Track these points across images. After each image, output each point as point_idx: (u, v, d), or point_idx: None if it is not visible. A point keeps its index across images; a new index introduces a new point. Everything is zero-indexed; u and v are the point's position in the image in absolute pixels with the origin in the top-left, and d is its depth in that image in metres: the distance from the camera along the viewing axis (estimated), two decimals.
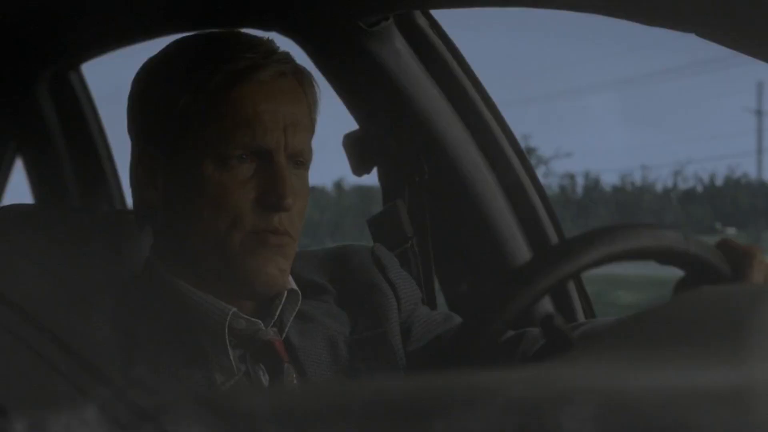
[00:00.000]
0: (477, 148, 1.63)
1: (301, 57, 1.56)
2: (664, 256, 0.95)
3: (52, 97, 2.00)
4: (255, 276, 1.19)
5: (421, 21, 1.60)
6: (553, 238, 1.65)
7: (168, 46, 1.27)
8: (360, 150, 1.61)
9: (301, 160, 1.22)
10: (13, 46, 1.81)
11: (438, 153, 1.60)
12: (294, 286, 1.25)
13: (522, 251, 1.62)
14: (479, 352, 0.87)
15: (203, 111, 1.19)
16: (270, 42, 1.25)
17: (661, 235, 0.93)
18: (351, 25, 1.53)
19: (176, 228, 1.21)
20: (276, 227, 1.18)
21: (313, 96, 1.25)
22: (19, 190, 2.17)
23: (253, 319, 1.21)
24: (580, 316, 1.61)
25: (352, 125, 1.63)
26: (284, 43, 1.51)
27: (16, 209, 1.33)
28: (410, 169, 1.59)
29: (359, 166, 1.61)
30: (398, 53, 1.57)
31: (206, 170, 1.18)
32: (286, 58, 1.23)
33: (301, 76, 1.24)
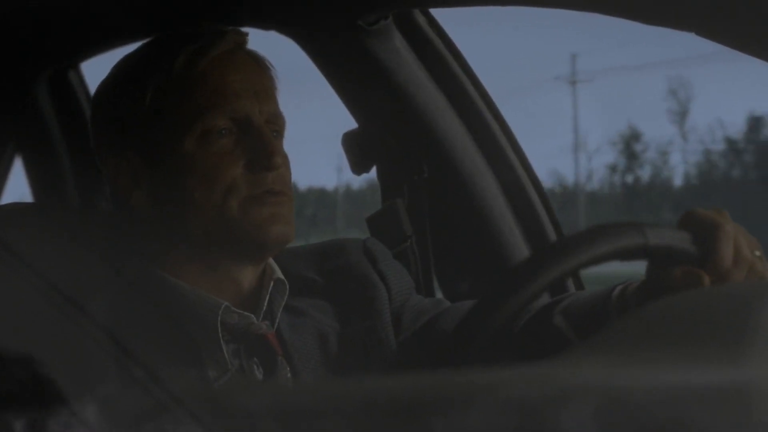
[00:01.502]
0: (476, 147, 1.62)
1: (300, 56, 1.57)
2: (624, 256, 0.94)
3: (51, 96, 2.00)
4: (263, 236, 1.20)
5: (420, 19, 1.60)
6: (552, 237, 1.65)
7: (118, 62, 1.29)
8: (359, 148, 1.61)
9: (276, 129, 1.25)
10: (13, 45, 1.81)
11: (437, 151, 1.60)
12: (280, 275, 1.25)
13: (521, 250, 1.62)
14: (475, 347, 0.87)
15: (172, 97, 1.21)
16: (217, 25, 1.28)
17: (616, 236, 0.92)
18: (350, 24, 1.53)
19: (170, 220, 1.22)
20: (271, 187, 1.20)
21: (270, 72, 1.27)
22: (19, 189, 2.17)
23: (245, 313, 1.21)
24: None
25: (352, 124, 1.63)
26: (284, 42, 1.52)
27: (15, 208, 1.33)
28: (409, 168, 1.59)
29: (358, 165, 1.61)
30: (397, 52, 1.57)
31: (189, 151, 1.20)
32: (240, 31, 1.27)
33: (256, 56, 1.27)
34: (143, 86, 1.22)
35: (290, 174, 1.24)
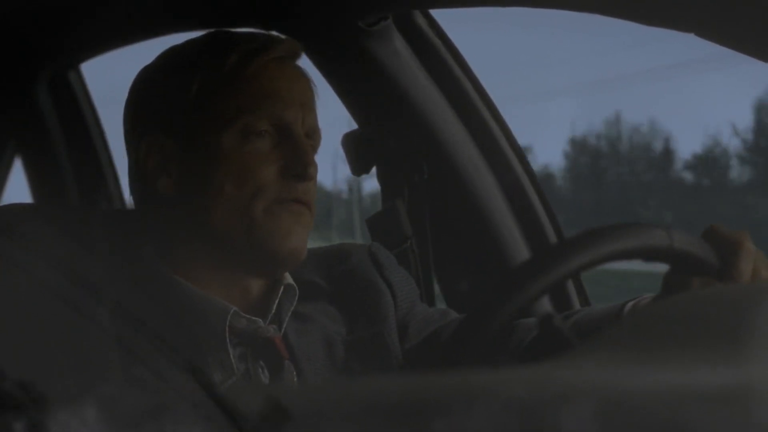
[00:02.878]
0: (476, 148, 1.63)
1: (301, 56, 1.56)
2: (649, 255, 0.95)
3: (51, 97, 2.00)
4: (278, 245, 1.20)
5: (420, 21, 1.60)
6: (552, 238, 1.65)
7: (165, 51, 1.29)
8: (359, 150, 1.61)
9: (313, 143, 1.25)
10: (13, 45, 1.81)
11: (437, 153, 1.60)
12: (290, 281, 1.25)
13: (520, 251, 1.62)
14: (476, 348, 0.87)
15: (219, 91, 1.22)
16: (271, 33, 1.28)
17: (643, 235, 0.93)
18: (350, 25, 1.53)
19: (193, 211, 1.21)
20: (300, 196, 1.21)
21: (314, 89, 1.28)
22: (19, 189, 2.17)
23: (253, 318, 1.21)
24: None
25: (352, 124, 1.63)
26: None
27: (16, 208, 1.33)
28: (409, 169, 1.59)
29: (358, 166, 1.61)
30: (397, 53, 1.57)
31: (226, 145, 1.20)
32: (295, 42, 1.28)
33: (303, 70, 1.27)
34: (192, 75, 1.22)
35: (316, 189, 1.24)
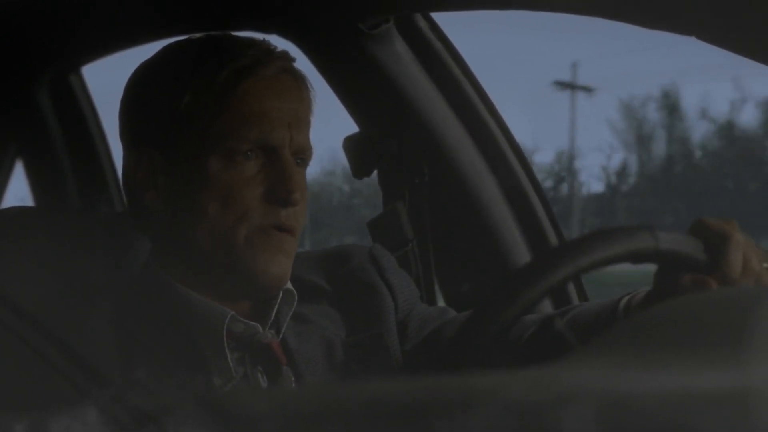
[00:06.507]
0: (477, 151, 1.63)
1: (301, 59, 1.57)
2: (636, 258, 0.94)
3: (52, 100, 2.00)
4: (258, 273, 1.19)
5: (422, 23, 1.60)
6: (553, 240, 1.65)
7: (163, 49, 1.28)
8: (360, 152, 1.61)
9: (303, 157, 1.24)
10: (14, 47, 1.81)
11: (438, 155, 1.60)
12: (290, 286, 1.25)
13: (522, 253, 1.63)
14: (475, 349, 0.87)
15: (208, 108, 1.20)
16: (267, 41, 1.26)
17: (628, 238, 0.93)
18: (351, 28, 1.53)
19: (179, 227, 1.21)
20: (282, 223, 1.19)
21: (309, 96, 1.26)
22: (20, 192, 2.17)
23: (251, 322, 1.21)
24: None
25: (353, 128, 1.63)
26: (285, 46, 1.52)
27: (16, 211, 1.33)
28: (410, 172, 1.59)
29: (359, 169, 1.62)
30: (398, 56, 1.57)
31: (212, 166, 1.19)
32: (286, 55, 1.25)
33: (298, 75, 1.25)
34: (182, 89, 1.21)
35: (305, 210, 1.23)
